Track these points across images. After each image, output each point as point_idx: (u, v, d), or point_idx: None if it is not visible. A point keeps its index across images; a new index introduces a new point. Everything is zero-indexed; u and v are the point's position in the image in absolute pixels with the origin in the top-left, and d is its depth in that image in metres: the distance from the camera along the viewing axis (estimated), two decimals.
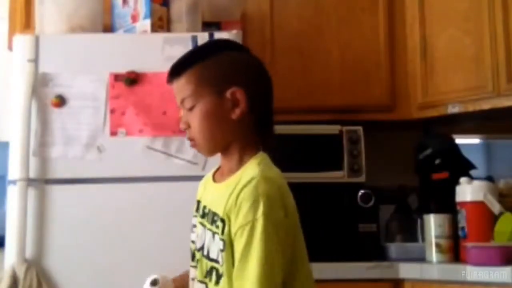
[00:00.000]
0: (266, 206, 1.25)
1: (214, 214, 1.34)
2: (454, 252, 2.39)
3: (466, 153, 2.68)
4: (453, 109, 2.61)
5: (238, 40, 2.35)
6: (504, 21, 2.48)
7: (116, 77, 2.29)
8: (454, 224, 2.40)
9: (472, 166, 2.63)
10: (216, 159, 1.48)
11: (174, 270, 2.18)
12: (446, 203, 2.45)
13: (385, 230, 2.75)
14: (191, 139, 1.40)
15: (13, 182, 2.20)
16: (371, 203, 2.54)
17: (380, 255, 2.53)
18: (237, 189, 1.29)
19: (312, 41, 2.78)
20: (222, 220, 1.30)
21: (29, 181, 2.20)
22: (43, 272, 2.17)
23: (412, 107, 2.74)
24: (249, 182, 1.28)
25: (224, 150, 1.40)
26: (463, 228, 2.34)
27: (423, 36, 2.72)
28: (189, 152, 2.23)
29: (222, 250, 1.30)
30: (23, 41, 2.31)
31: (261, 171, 1.31)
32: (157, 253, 2.19)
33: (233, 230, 1.27)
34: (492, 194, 2.30)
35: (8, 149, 2.25)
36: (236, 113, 1.35)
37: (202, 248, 1.38)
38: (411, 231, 2.70)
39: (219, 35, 2.34)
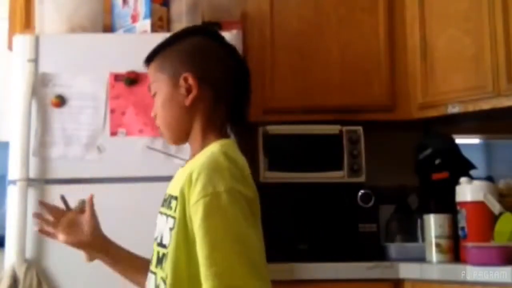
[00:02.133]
0: (229, 179, 1.19)
1: (171, 196, 1.29)
2: (454, 252, 2.39)
3: (466, 153, 2.68)
4: (453, 109, 2.61)
5: (238, 40, 2.35)
6: (504, 21, 2.48)
7: (116, 77, 2.29)
8: (454, 224, 2.40)
9: (472, 166, 2.63)
10: None
11: None
12: (446, 203, 2.45)
13: (385, 230, 2.75)
14: (157, 127, 1.40)
15: (13, 182, 2.20)
16: (371, 203, 2.54)
17: (380, 255, 2.53)
18: (194, 165, 1.24)
19: (312, 41, 2.78)
20: (175, 198, 1.25)
21: (29, 181, 2.20)
22: (43, 272, 2.17)
23: (412, 107, 2.74)
24: (207, 157, 1.24)
25: (188, 138, 1.38)
26: (463, 228, 2.34)
27: (423, 36, 2.72)
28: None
29: (171, 229, 1.24)
30: (23, 41, 2.31)
31: (222, 148, 1.26)
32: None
33: (190, 205, 1.20)
34: (492, 194, 2.30)
35: (8, 149, 2.25)
36: (189, 99, 1.32)
37: (156, 238, 1.32)
38: (411, 231, 2.70)
39: None
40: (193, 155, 1.36)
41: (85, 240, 1.55)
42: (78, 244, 1.57)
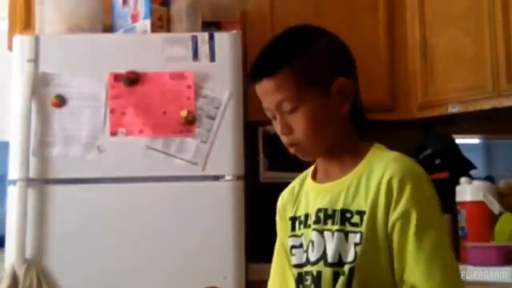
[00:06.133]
0: (431, 185, 1.15)
1: (344, 211, 1.18)
2: (454, 252, 2.38)
3: (466, 153, 2.68)
4: (453, 109, 2.61)
5: (238, 40, 2.36)
6: (504, 21, 2.47)
7: (116, 77, 2.29)
8: (454, 224, 2.40)
9: (472, 166, 2.63)
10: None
11: (173, 269, 2.19)
12: (446, 203, 2.44)
13: None
14: (294, 144, 1.22)
15: (13, 182, 2.20)
16: None
17: None
18: (379, 172, 1.16)
19: None
20: (361, 213, 1.16)
21: (29, 181, 2.20)
22: (43, 272, 2.17)
23: (412, 107, 2.74)
24: (397, 161, 1.17)
25: (331, 148, 1.24)
26: (463, 228, 2.34)
27: (423, 36, 2.72)
28: (189, 152, 2.23)
29: (357, 244, 1.15)
30: (23, 41, 2.31)
31: (398, 153, 1.20)
32: (157, 252, 2.19)
33: (393, 216, 1.12)
34: (492, 194, 2.30)
35: (8, 149, 2.25)
36: (346, 107, 1.21)
37: (323, 257, 1.19)
38: None
39: (219, 35, 2.34)
40: (339, 165, 1.24)
41: None
42: None
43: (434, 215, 1.15)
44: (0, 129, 2.78)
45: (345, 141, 1.25)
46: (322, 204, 1.22)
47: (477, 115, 2.64)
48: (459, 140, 2.77)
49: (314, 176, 1.30)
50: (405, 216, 1.12)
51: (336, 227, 1.18)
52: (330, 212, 1.20)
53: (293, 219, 1.28)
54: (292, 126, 1.21)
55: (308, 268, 1.21)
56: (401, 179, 1.14)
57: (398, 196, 1.13)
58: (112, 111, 2.27)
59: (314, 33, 1.27)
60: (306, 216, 1.26)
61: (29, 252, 2.18)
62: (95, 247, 2.20)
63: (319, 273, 1.18)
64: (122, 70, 2.29)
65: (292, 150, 1.24)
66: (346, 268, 1.15)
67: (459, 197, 2.38)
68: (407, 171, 1.15)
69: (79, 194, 2.24)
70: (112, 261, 2.20)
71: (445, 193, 2.46)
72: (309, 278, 1.20)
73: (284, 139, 1.23)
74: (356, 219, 1.16)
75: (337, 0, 2.80)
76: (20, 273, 2.13)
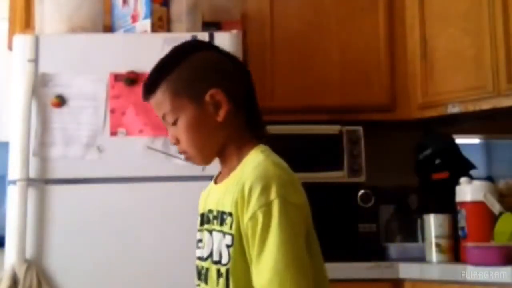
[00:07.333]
0: (280, 187, 1.18)
1: (222, 212, 1.27)
2: (454, 252, 2.39)
3: (466, 153, 2.68)
4: (453, 109, 2.61)
5: (238, 40, 2.36)
6: (504, 21, 2.48)
7: (116, 77, 2.29)
8: (454, 224, 2.40)
9: (472, 166, 2.63)
10: (216, 158, 1.47)
11: (173, 269, 2.19)
12: (446, 203, 2.45)
13: (385, 230, 2.75)
14: (183, 153, 1.34)
15: (13, 182, 2.20)
16: (371, 203, 2.54)
17: (380, 255, 2.53)
18: (243, 177, 1.22)
19: (312, 41, 2.78)
20: (230, 214, 1.24)
21: (29, 181, 2.20)
22: (43, 272, 2.17)
23: (412, 107, 2.74)
24: (255, 167, 1.23)
25: (220, 154, 1.34)
26: (463, 228, 2.34)
27: (423, 36, 2.72)
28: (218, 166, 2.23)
29: (229, 246, 1.23)
30: (23, 41, 2.31)
31: (267, 156, 1.26)
32: (156, 252, 2.19)
33: (245, 220, 1.19)
34: (492, 194, 2.29)
35: (8, 149, 2.25)
36: (221, 115, 1.29)
37: (210, 255, 1.29)
38: (411, 231, 2.70)
39: (219, 35, 2.34)
40: (230, 169, 1.32)
41: None
42: None
43: (281, 219, 1.17)
44: (0, 129, 2.78)
45: (233, 144, 1.33)
46: (211, 205, 1.33)
47: (477, 115, 2.65)
48: (459, 140, 2.77)
49: (217, 176, 1.40)
50: (253, 219, 1.18)
51: (218, 227, 1.28)
52: (215, 213, 1.30)
53: (201, 215, 1.39)
54: (178, 137, 1.32)
55: (203, 263, 1.33)
56: (252, 184, 1.19)
57: (248, 200, 1.19)
58: (112, 111, 2.27)
59: (190, 47, 1.36)
60: (202, 215, 1.38)
61: (29, 252, 2.18)
62: (95, 247, 2.20)
63: (207, 269, 1.30)
64: (122, 70, 2.29)
65: (184, 157, 1.35)
66: (223, 269, 1.24)
67: (459, 197, 2.38)
68: (260, 176, 1.20)
69: (79, 194, 2.24)
70: (112, 261, 2.20)
71: (445, 193, 2.48)
72: (203, 272, 1.32)
73: (176, 148, 1.35)
74: (228, 221, 1.24)
75: (337, 0, 2.80)
76: (20, 273, 2.12)
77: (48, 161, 2.24)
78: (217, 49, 1.38)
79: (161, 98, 1.31)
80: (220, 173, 1.40)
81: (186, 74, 1.30)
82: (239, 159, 1.31)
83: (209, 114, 1.29)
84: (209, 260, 1.30)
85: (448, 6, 2.66)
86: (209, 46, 1.41)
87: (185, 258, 2.19)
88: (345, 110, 2.71)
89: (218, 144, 1.33)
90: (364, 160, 2.59)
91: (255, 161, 1.26)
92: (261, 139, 1.35)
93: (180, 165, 2.23)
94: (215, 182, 1.39)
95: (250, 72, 1.38)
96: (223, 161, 1.36)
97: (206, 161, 1.36)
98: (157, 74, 1.33)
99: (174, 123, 1.31)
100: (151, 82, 1.34)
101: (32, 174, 2.21)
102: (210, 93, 1.29)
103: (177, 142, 1.33)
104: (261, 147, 1.32)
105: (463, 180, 2.37)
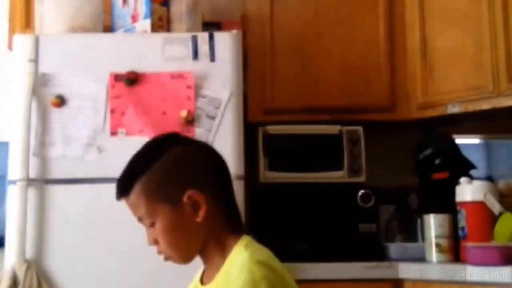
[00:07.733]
0: None
1: None
2: (454, 252, 2.39)
3: (466, 153, 2.68)
4: (453, 109, 2.61)
5: (238, 40, 2.36)
6: (504, 21, 2.47)
7: (116, 77, 2.29)
8: (454, 224, 2.40)
9: (472, 166, 2.63)
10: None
11: (173, 269, 2.18)
12: (446, 203, 2.45)
13: (385, 230, 2.75)
14: (162, 253, 1.28)
15: (13, 182, 2.20)
16: (371, 203, 2.54)
17: (380, 255, 2.53)
18: (230, 282, 1.17)
19: (312, 42, 2.78)
20: None
21: (29, 181, 2.20)
22: (43, 272, 2.17)
23: (412, 107, 2.74)
24: (241, 270, 1.16)
25: (201, 252, 1.28)
26: (463, 228, 2.34)
27: (423, 36, 2.72)
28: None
29: None
30: (23, 41, 2.31)
31: (250, 254, 1.19)
32: (156, 252, 2.19)
33: None
34: (492, 194, 2.29)
35: (8, 149, 2.25)
36: (200, 215, 1.23)
37: None
38: (411, 231, 2.70)
39: (219, 35, 2.34)
40: (215, 266, 1.26)
41: None
42: None
43: None
44: (0, 129, 2.78)
45: (214, 241, 1.27)
46: None
47: (477, 115, 2.64)
48: (459, 140, 2.77)
49: (202, 275, 1.33)
50: None
51: None
52: None
53: None
54: (156, 239, 1.26)
55: None
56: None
57: None
58: (112, 111, 2.27)
59: (162, 145, 1.30)
60: None
61: (29, 252, 2.18)
62: (95, 247, 2.20)
63: None
64: (122, 70, 2.29)
65: (164, 258, 1.29)
66: None
67: (459, 197, 2.38)
68: (247, 283, 1.14)
69: (79, 194, 2.24)
70: (112, 261, 2.20)
71: (445, 193, 2.48)
72: None
73: (155, 249, 1.29)
74: None
75: (337, 0, 2.80)
76: (20, 273, 2.13)
77: (48, 161, 2.24)
78: (188, 141, 1.33)
79: (135, 202, 1.27)
80: (204, 272, 1.33)
81: (159, 177, 1.24)
82: (223, 256, 1.25)
83: (187, 216, 1.23)
84: None
85: (448, 6, 2.66)
86: (180, 140, 1.33)
87: None
88: (345, 110, 2.71)
89: (199, 244, 1.26)
90: (364, 160, 2.59)
91: (239, 261, 1.19)
92: (239, 229, 1.28)
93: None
94: (201, 282, 1.32)
95: (224, 160, 1.32)
96: (206, 259, 1.29)
97: (186, 260, 1.29)
98: (130, 177, 1.29)
99: (151, 226, 1.26)
100: (124, 185, 1.29)
101: (32, 174, 2.21)
102: (188, 194, 1.23)
103: (155, 243, 1.27)
104: (244, 240, 1.25)
105: (463, 180, 2.37)
